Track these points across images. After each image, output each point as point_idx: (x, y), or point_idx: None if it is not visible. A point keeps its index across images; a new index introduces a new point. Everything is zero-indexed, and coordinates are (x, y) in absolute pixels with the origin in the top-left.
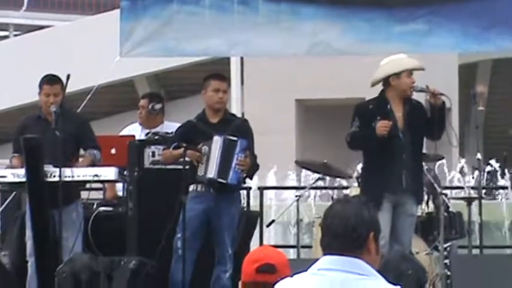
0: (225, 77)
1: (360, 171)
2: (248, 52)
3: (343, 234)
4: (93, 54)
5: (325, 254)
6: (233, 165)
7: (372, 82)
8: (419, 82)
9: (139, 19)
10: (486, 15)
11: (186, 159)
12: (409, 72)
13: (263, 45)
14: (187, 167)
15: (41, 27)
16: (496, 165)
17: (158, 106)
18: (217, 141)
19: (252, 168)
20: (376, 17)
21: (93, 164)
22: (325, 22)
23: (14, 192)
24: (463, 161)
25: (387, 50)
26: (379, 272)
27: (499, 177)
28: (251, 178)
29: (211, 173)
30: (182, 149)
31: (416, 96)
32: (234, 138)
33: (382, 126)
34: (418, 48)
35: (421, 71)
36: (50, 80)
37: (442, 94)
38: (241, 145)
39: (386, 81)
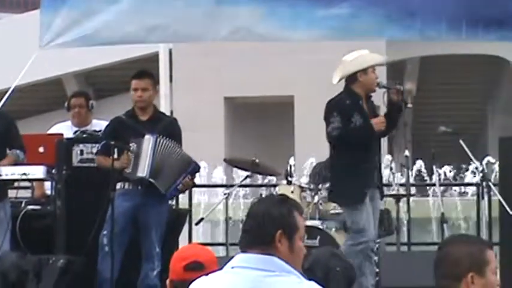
0: (145, 75)
1: (288, 168)
2: (166, 38)
3: (251, 231)
4: (20, 52)
5: (241, 252)
6: (178, 182)
7: (341, 77)
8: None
9: (59, 10)
10: (410, 0)
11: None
12: (373, 67)
13: (181, 31)
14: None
15: None
16: (423, 165)
17: (94, 104)
18: (148, 139)
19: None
20: (298, 1)
21: (15, 164)
22: (246, 7)
23: None
24: (391, 158)
25: (310, 36)
26: (308, 269)
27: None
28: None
29: (143, 172)
30: (112, 160)
31: None
32: (195, 163)
33: (380, 123)
34: (341, 34)
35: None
36: None
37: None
38: (195, 169)
39: (353, 77)
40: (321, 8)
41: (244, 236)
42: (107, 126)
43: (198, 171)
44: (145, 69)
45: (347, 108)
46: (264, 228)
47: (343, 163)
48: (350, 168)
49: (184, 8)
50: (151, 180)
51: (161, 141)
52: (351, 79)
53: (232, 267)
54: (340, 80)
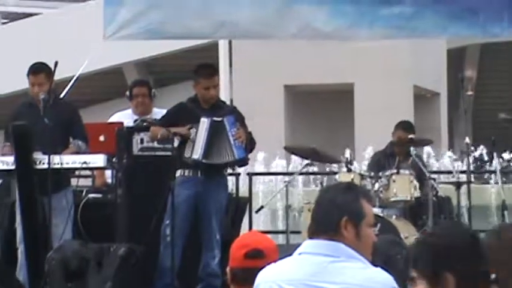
0: (214, 71)
1: (348, 156)
2: (233, 35)
3: (318, 219)
4: (82, 41)
5: (309, 238)
6: (232, 142)
7: None
8: (409, 69)
9: (123, 1)
10: None
11: (176, 138)
12: None
13: (249, 28)
14: (174, 152)
15: (30, 15)
16: (484, 152)
17: (156, 92)
18: (203, 122)
19: (249, 138)
20: (362, 0)
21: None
22: (312, 5)
23: (1, 180)
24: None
25: (373, 35)
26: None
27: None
28: (251, 151)
29: (197, 154)
30: (171, 130)
31: None
32: (219, 119)
33: None
34: (404, 33)
35: None
36: (34, 69)
37: None
38: (229, 121)
39: None
40: (384, 7)
41: (312, 223)
42: (170, 109)
43: (235, 120)
44: (209, 64)
45: None
46: (330, 216)
47: None
48: None
49: (251, 5)
50: (204, 161)
51: (216, 124)
52: None
53: (300, 254)
54: None
